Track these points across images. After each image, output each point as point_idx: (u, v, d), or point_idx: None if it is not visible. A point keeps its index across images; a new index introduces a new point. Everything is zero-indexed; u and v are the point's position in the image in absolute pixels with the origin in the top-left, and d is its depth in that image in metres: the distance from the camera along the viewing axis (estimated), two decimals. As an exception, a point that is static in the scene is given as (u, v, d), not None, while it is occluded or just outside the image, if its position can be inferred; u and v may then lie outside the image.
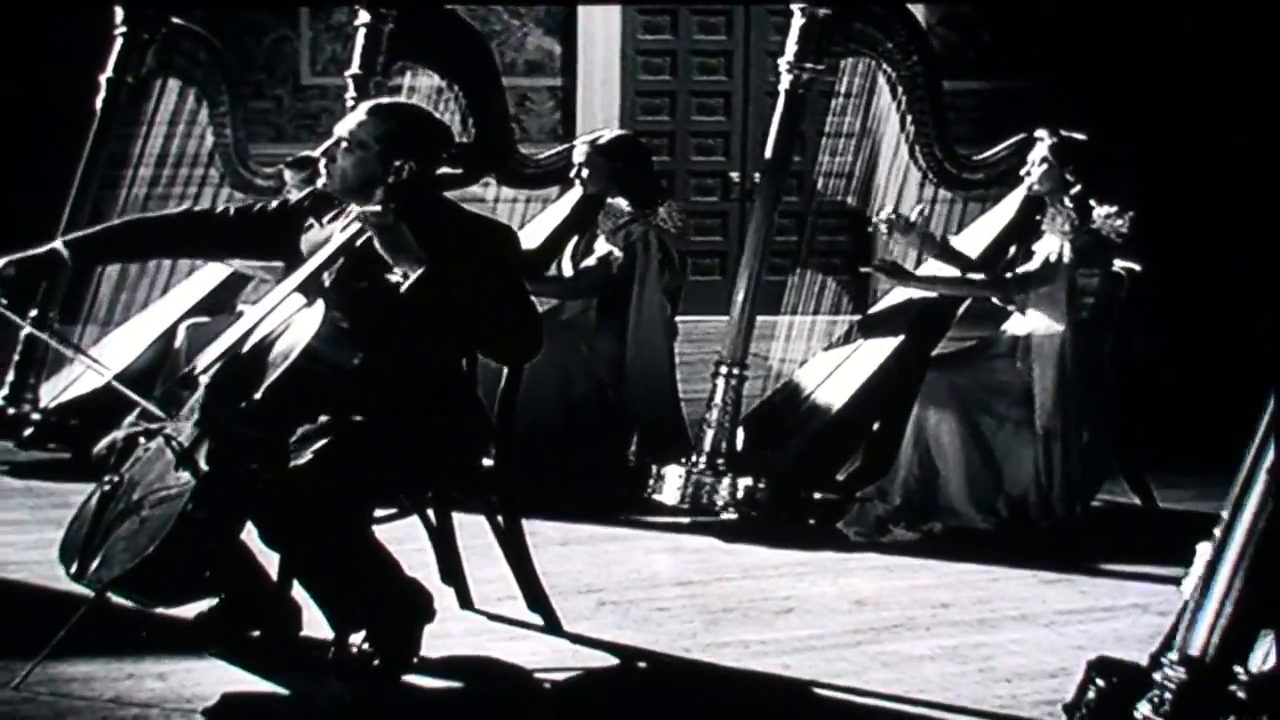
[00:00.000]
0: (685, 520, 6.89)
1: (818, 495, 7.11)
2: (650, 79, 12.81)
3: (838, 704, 4.89)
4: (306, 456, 4.71)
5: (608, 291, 7.55)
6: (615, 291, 7.51)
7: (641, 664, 5.23)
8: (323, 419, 4.84)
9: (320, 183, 5.12)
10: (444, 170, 5.19)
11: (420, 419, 4.93)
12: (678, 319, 7.81)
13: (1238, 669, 3.31)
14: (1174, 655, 3.37)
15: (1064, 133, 6.98)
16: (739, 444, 7.02)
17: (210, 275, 8.17)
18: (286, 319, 4.88)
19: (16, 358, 7.86)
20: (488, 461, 5.34)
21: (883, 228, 7.13)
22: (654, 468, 7.03)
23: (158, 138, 8.13)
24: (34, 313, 7.51)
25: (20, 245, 8.12)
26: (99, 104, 8.01)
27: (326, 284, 4.93)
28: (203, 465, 4.63)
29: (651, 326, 7.50)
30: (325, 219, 5.13)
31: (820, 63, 6.93)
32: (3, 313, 5.22)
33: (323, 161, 5.05)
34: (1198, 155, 11.07)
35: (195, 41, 8.20)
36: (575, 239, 7.78)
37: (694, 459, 6.94)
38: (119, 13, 7.95)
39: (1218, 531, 3.44)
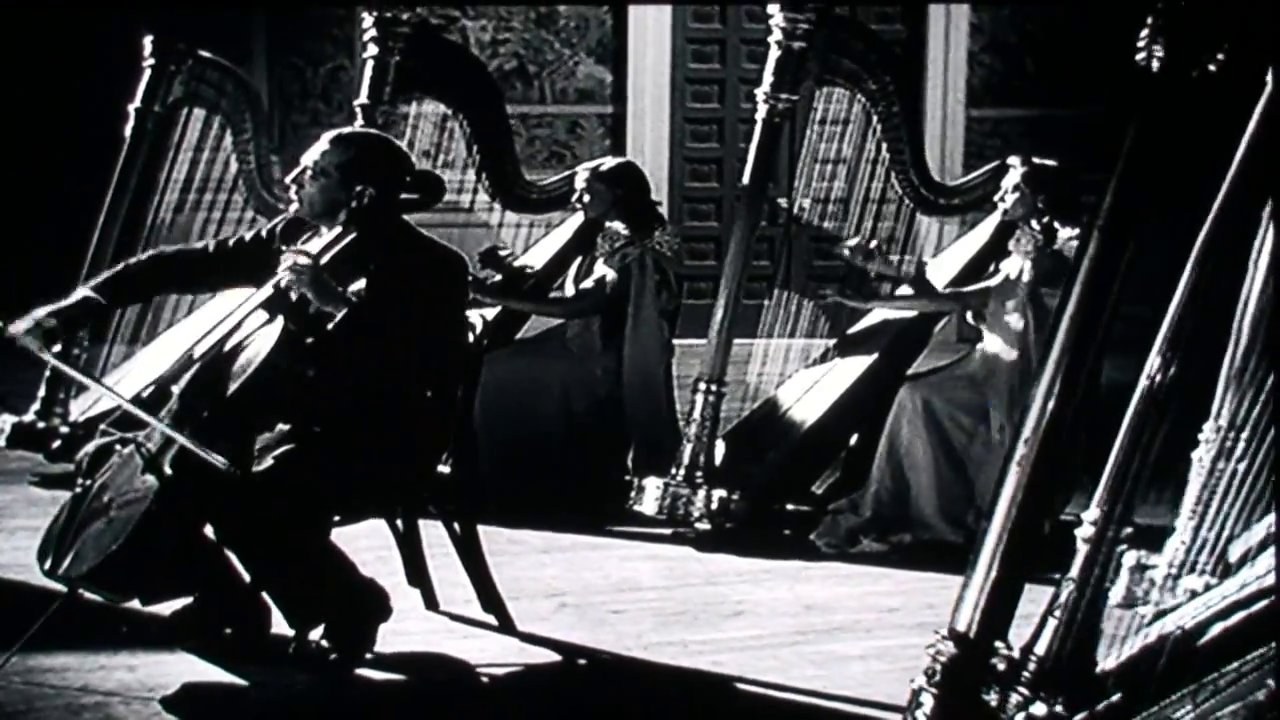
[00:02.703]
0: (667, 530, 7.09)
1: (791, 506, 7.34)
2: (699, 106, 13.03)
3: (752, 697, 5.16)
4: (267, 463, 5.06)
5: (609, 313, 7.80)
6: (615, 313, 7.79)
7: (581, 661, 5.50)
8: (283, 428, 5.20)
9: (293, 208, 5.52)
10: (405, 195, 5.51)
11: (375, 431, 5.24)
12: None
13: (998, 644, 3.63)
14: (944, 631, 3.68)
15: (1036, 160, 7.19)
16: (719, 459, 7.24)
17: (235, 296, 8.48)
18: (250, 333, 5.25)
19: (48, 373, 8.14)
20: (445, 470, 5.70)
21: (845, 253, 7.37)
22: (635, 480, 7.28)
23: (184, 164, 8.39)
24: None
25: (55, 270, 8.50)
26: (127, 132, 8.29)
27: (289, 300, 5.30)
28: (167, 470, 5.00)
29: (647, 346, 7.69)
30: (299, 240, 5.49)
31: (796, 93, 7.17)
32: (56, 365, 5.55)
33: (293, 189, 5.44)
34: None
35: (221, 72, 8.43)
36: (577, 261, 8.07)
37: (673, 472, 7.17)
38: (147, 45, 8.26)
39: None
